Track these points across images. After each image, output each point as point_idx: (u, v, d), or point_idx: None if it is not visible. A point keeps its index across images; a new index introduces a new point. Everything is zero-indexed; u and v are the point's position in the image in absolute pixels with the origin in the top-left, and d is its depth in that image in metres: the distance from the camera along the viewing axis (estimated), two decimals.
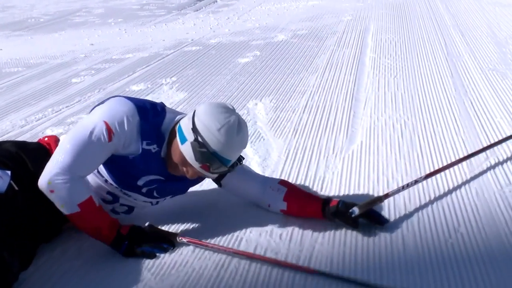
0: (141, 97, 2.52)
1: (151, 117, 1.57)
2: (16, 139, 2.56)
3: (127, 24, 6.50)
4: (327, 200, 1.70)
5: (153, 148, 1.58)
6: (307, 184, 2.07)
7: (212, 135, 1.47)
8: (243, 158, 1.65)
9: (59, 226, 1.67)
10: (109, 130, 1.49)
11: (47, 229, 1.63)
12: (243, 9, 6.85)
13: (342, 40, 4.61)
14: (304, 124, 2.75)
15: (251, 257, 1.54)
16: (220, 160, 1.50)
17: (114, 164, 1.58)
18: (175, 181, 1.68)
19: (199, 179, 1.72)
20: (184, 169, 1.56)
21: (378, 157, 2.24)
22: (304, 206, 1.73)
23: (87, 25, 6.62)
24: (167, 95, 3.46)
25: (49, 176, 1.47)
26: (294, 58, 4.16)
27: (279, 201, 1.75)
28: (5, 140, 1.82)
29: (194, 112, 1.53)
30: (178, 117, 1.63)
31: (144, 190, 1.66)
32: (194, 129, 1.48)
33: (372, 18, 5.42)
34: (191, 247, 1.62)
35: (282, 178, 2.06)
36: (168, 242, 1.62)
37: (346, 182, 2.04)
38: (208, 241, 1.63)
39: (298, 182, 2.09)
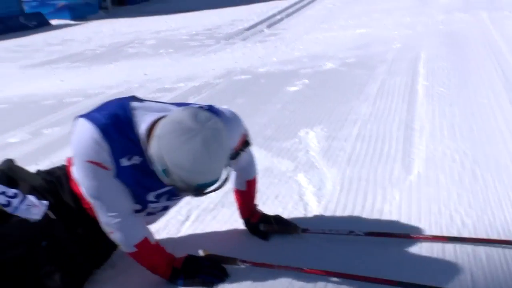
0: None
1: (118, 131, 1.43)
2: None
3: (178, 54, 6.69)
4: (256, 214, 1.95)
5: (136, 159, 1.47)
6: (364, 216, 2.02)
7: (181, 169, 1.30)
8: (248, 143, 1.71)
9: (108, 251, 1.75)
10: (95, 164, 1.44)
11: (95, 254, 1.70)
12: (290, 38, 6.91)
13: (392, 68, 4.55)
14: (357, 153, 2.71)
15: (319, 273, 1.56)
16: (205, 186, 1.37)
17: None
18: None
19: None
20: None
21: (439, 189, 2.16)
22: (244, 202, 1.94)
23: (140, 56, 6.86)
24: None
25: (102, 222, 1.56)
26: (343, 87, 4.14)
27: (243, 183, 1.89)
28: (40, 170, 1.89)
29: (155, 137, 1.34)
30: (149, 118, 1.44)
31: (161, 200, 1.66)
32: (161, 157, 1.31)
33: (422, 45, 5.34)
34: (254, 270, 1.62)
35: (339, 208, 2.04)
36: (222, 270, 1.63)
37: (406, 214, 1.98)
38: (270, 262, 1.63)
39: (355, 214, 2.05)
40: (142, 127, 1.42)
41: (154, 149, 1.33)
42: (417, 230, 1.85)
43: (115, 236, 1.56)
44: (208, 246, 1.86)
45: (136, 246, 1.56)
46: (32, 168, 1.87)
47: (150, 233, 1.61)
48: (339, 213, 2.10)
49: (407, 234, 1.79)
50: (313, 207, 2.18)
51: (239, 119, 1.67)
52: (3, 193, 1.59)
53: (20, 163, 3.09)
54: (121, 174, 1.48)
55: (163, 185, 1.48)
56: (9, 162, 1.81)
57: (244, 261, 1.65)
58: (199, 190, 1.38)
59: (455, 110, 3.23)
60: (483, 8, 6.86)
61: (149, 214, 1.73)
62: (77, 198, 1.67)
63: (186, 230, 2.12)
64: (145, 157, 1.44)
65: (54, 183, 1.72)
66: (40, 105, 4.55)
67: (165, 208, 1.78)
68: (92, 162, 1.44)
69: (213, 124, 1.32)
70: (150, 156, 1.37)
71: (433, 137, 2.80)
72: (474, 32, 5.71)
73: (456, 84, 3.86)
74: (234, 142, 1.59)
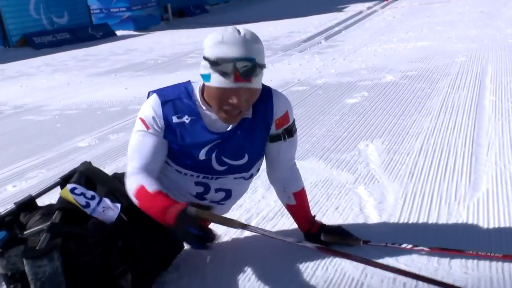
0: None
1: (171, 94, 1.69)
2: None
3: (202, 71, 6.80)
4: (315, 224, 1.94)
5: (186, 119, 1.67)
6: (428, 231, 1.98)
7: (220, 48, 1.51)
8: (292, 132, 1.77)
9: (174, 253, 1.81)
10: (142, 121, 1.67)
11: (162, 256, 1.75)
12: (349, 50, 6.87)
13: (457, 82, 4.41)
14: (420, 167, 2.65)
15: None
16: (243, 60, 1.49)
17: (175, 154, 1.70)
18: (231, 137, 1.69)
19: (252, 123, 1.70)
20: (229, 100, 1.55)
21: (510, 207, 2.08)
22: (300, 216, 1.96)
23: (198, 66, 6.99)
24: None
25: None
26: (404, 100, 4.06)
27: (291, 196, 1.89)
28: (118, 172, 1.98)
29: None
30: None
31: (213, 163, 1.71)
32: (205, 58, 1.55)
33: (489, 59, 5.15)
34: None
35: (401, 222, 2.01)
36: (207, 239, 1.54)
37: (474, 232, 1.92)
38: None
39: (419, 229, 2.01)
40: (196, 90, 1.70)
41: (201, 64, 1.58)
42: (486, 248, 1.78)
43: (126, 186, 1.67)
44: (267, 255, 1.88)
45: (135, 195, 1.62)
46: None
47: (152, 184, 1.61)
48: (401, 227, 2.06)
49: (476, 251, 1.73)
50: (374, 220, 2.15)
51: (289, 100, 1.79)
52: (82, 194, 1.68)
53: None
54: (172, 129, 1.66)
55: (209, 138, 1.66)
56: (88, 164, 1.91)
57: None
58: (233, 66, 1.48)
59: None
60: None
61: (215, 203, 1.78)
62: None
63: (245, 236, 2.15)
64: (195, 116, 1.66)
65: None
66: (106, 111, 4.76)
67: (228, 194, 1.81)
68: (141, 119, 1.68)
69: None
70: (201, 75, 1.59)
71: (503, 155, 2.69)
72: None
73: None
74: (279, 109, 1.72)
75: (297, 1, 14.94)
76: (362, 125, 3.54)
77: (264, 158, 1.86)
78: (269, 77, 5.62)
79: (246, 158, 1.74)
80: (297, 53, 7.29)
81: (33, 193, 1.87)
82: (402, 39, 7.03)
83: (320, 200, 2.42)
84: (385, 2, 11.46)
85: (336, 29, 8.96)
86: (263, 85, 1.70)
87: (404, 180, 2.51)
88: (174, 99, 1.67)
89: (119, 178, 1.85)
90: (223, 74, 1.50)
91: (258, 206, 2.40)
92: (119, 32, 11.05)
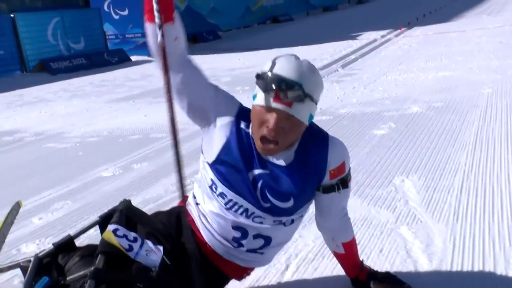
0: None
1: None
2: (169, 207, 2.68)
3: (253, 92, 6.76)
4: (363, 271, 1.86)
5: (249, 134, 1.58)
6: (486, 279, 1.87)
7: (272, 65, 1.46)
8: (347, 182, 1.65)
9: None
10: (224, 95, 1.66)
11: None
12: (368, 79, 6.82)
13: (487, 114, 4.32)
14: (465, 207, 2.55)
15: None
16: (284, 80, 1.42)
17: (225, 167, 1.59)
18: (280, 174, 1.58)
19: (298, 165, 1.60)
20: (265, 125, 1.47)
21: None
22: (348, 263, 1.88)
23: None
24: None
25: None
26: (434, 132, 3.98)
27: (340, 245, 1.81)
28: (159, 211, 1.90)
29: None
30: None
31: (258, 193, 1.59)
32: (257, 75, 1.49)
33: None
34: None
35: (454, 270, 1.91)
36: None
37: None
38: None
39: (475, 277, 1.91)
40: None
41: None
42: None
43: None
44: None
45: None
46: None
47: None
48: (455, 275, 1.97)
49: None
50: (424, 266, 2.06)
51: (346, 148, 1.68)
52: (125, 236, 1.60)
53: (114, 197, 3.21)
54: (234, 132, 1.58)
55: (261, 164, 1.57)
56: (127, 203, 1.82)
57: None
58: (275, 86, 1.41)
59: None
60: None
61: (252, 252, 1.67)
62: (196, 244, 1.66)
63: (286, 280, 2.07)
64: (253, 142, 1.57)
65: (172, 227, 1.72)
66: (127, 139, 4.72)
67: (267, 241, 1.68)
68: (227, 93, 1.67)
69: None
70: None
71: None
72: None
73: None
74: (334, 159, 1.61)
75: (308, 28, 15.07)
76: (394, 158, 3.46)
77: (314, 205, 1.76)
78: None
79: (291, 202, 1.63)
80: None
81: (72, 233, 1.79)
82: (422, 69, 6.98)
83: (362, 241, 2.33)
84: (399, 31, 11.50)
85: (352, 57, 8.95)
86: (320, 129, 1.63)
87: (450, 220, 2.41)
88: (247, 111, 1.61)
89: (161, 217, 1.78)
90: (266, 90, 1.44)
91: (295, 246, 2.31)
92: (134, 58, 11.12)
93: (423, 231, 2.34)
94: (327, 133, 1.64)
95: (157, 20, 1.57)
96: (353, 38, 11.07)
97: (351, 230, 1.82)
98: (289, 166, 1.59)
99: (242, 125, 1.59)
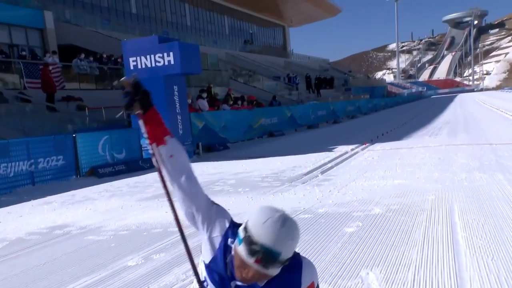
0: None
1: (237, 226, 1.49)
2: None
3: (253, 192, 6.76)
4: None
5: (231, 245, 1.44)
6: None
7: (258, 229, 1.33)
8: None
9: None
10: (218, 207, 1.57)
11: None
12: (341, 184, 6.90)
13: (432, 217, 4.33)
14: None
15: None
16: (269, 252, 1.31)
17: (210, 270, 1.49)
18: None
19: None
20: (244, 271, 1.37)
21: None
22: None
23: (223, 193, 7.01)
24: None
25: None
26: (392, 231, 3.96)
27: None
28: None
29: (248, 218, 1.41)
30: None
31: None
32: (245, 227, 1.36)
33: (454, 199, 5.07)
34: None
35: None
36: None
37: None
38: None
39: None
40: None
41: (243, 223, 1.38)
42: None
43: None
44: None
45: None
46: None
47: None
48: None
49: None
50: None
51: (315, 269, 1.55)
52: None
53: (136, 284, 3.12)
54: (222, 247, 1.47)
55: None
56: None
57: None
58: (260, 255, 1.31)
59: (498, 263, 2.94)
60: (498, 171, 6.49)
61: None
62: None
63: None
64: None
65: None
66: (150, 233, 4.67)
67: None
68: (218, 206, 1.58)
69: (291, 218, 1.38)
70: (238, 233, 1.39)
71: None
72: (495, 191, 5.28)
73: (492, 237, 3.55)
74: (305, 280, 1.47)
75: (296, 141, 15.48)
76: (361, 253, 3.42)
77: None
78: (280, 205, 5.57)
79: None
80: (300, 184, 7.30)
81: None
82: (382, 177, 7.07)
83: None
84: (364, 145, 11.84)
85: (329, 165, 9.10)
86: (296, 253, 1.47)
87: None
88: (235, 229, 1.48)
89: None
90: (249, 250, 1.33)
91: None
92: None
93: None
94: (299, 257, 1.49)
95: (151, 148, 1.58)
96: (330, 150, 11.32)
97: None
98: (264, 286, 1.46)
99: (229, 242, 1.47)
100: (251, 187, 7.29)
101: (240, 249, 1.37)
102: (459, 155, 8.50)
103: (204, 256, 1.59)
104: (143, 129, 1.58)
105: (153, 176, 9.71)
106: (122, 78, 1.59)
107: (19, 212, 6.38)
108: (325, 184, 7.05)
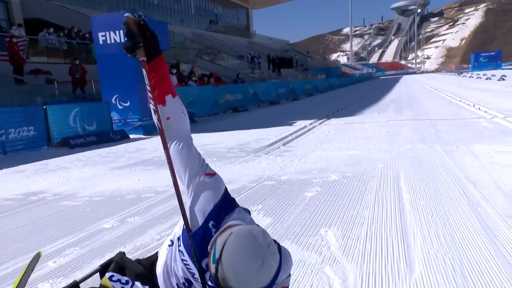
0: None
1: (224, 210, 1.31)
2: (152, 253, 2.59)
3: (220, 162, 6.73)
4: None
5: (212, 228, 1.28)
6: None
7: (231, 276, 1.08)
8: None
9: None
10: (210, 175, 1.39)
11: None
12: (301, 154, 7.02)
13: (381, 183, 4.53)
14: (369, 252, 2.63)
15: None
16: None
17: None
18: None
19: None
20: None
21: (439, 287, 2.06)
22: None
23: None
24: (256, 220, 3.40)
25: None
26: (347, 195, 4.12)
27: None
28: (142, 258, 1.82)
29: (227, 239, 1.13)
30: (231, 222, 1.27)
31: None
32: (219, 259, 1.11)
33: (400, 166, 5.33)
34: None
35: None
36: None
37: None
38: None
39: None
40: (233, 219, 1.30)
41: (220, 242, 1.13)
42: None
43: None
44: None
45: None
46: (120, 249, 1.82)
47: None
48: None
49: None
50: None
51: (291, 260, 1.38)
52: (118, 280, 1.54)
53: (113, 245, 3.06)
54: (203, 229, 1.29)
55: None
56: (121, 254, 1.76)
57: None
58: None
59: (436, 220, 3.16)
60: (437, 143, 6.89)
61: None
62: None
63: None
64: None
65: (151, 269, 1.66)
66: (124, 198, 4.57)
67: None
68: (211, 174, 1.39)
69: (273, 248, 1.13)
70: (213, 245, 1.16)
71: (425, 242, 2.72)
72: (435, 160, 5.62)
73: (432, 198, 3.78)
74: (282, 280, 1.33)
75: (260, 116, 15.48)
76: (320, 214, 3.53)
77: None
78: (245, 173, 5.59)
79: None
80: (264, 155, 7.35)
81: (77, 279, 1.71)
82: (337, 148, 7.26)
83: (297, 278, 2.34)
84: (321, 120, 12.06)
85: (290, 138, 9.21)
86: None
87: (359, 261, 2.47)
88: (221, 216, 1.30)
89: (143, 264, 1.70)
90: (219, 284, 1.11)
91: None
92: (132, 136, 10.99)
93: (341, 270, 2.37)
94: (279, 252, 1.21)
95: (152, 103, 1.39)
96: (290, 124, 11.43)
97: None
98: None
99: (210, 224, 1.29)
100: (218, 158, 7.24)
101: (212, 269, 1.14)
102: (404, 129, 8.88)
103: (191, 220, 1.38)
104: (146, 80, 1.33)
105: (124, 147, 9.43)
106: (126, 14, 1.28)
107: None
108: (287, 155, 7.15)
